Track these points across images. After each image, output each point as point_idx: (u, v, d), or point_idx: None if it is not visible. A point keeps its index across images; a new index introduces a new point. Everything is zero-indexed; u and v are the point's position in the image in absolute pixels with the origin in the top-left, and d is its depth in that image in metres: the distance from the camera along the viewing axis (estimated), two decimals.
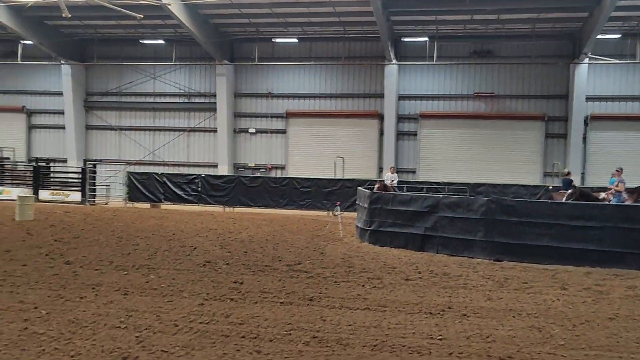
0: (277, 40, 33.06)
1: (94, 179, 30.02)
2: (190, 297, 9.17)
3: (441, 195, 16.70)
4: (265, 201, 27.87)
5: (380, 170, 31.44)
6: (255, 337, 7.17)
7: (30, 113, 37.18)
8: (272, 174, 33.39)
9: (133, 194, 28.87)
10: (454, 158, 31.42)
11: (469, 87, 31.43)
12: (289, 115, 33.60)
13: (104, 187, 31.46)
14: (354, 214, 19.92)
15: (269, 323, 7.83)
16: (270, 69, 33.73)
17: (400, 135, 32.03)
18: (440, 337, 7.42)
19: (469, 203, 14.65)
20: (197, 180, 28.35)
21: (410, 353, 6.78)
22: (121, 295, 9.17)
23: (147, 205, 28.48)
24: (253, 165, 34.19)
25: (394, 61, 30.65)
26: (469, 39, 31.20)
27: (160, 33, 33.66)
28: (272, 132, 34.10)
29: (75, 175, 30.53)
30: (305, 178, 28.41)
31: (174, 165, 35.09)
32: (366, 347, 6.91)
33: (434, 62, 30.10)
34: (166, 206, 28.32)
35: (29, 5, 27.43)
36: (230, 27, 32.22)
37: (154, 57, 35.08)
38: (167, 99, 35.56)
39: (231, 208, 28.13)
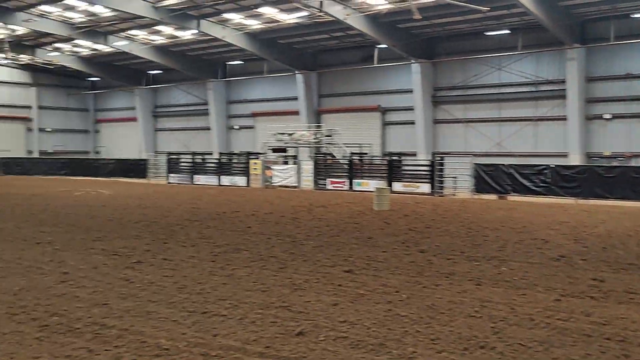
0: (637, 15, 29.82)
1: (442, 171, 31.11)
2: (545, 292, 8.89)
3: None
4: (624, 192, 25.36)
5: None
6: (622, 340, 6.62)
7: (384, 111, 40.36)
8: (632, 163, 30.33)
9: (480, 185, 29.10)
10: None
11: None
12: None
13: (452, 178, 32.37)
14: None
15: (637, 326, 7.17)
16: (628, 48, 30.63)
17: None
18: None
19: None
20: (546, 171, 27.26)
21: None
22: (474, 285, 9.35)
23: (493, 196, 28.44)
24: (609, 153, 31.54)
25: None
26: None
27: (505, 23, 33.28)
28: (632, 116, 30.96)
29: (425, 168, 32.09)
30: None
31: (520, 155, 34.39)
32: None
33: None
34: (513, 198, 27.89)
35: (383, 12, 29.78)
36: (581, 7, 30.18)
37: (499, 48, 34.85)
38: (513, 89, 35.03)
39: (584, 200, 26.36)
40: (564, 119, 32.67)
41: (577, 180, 26.47)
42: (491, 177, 28.66)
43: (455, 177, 32.33)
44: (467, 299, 8.46)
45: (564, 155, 32.55)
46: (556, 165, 27.78)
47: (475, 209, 22.35)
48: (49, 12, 35.82)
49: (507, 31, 33.92)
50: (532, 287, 9.20)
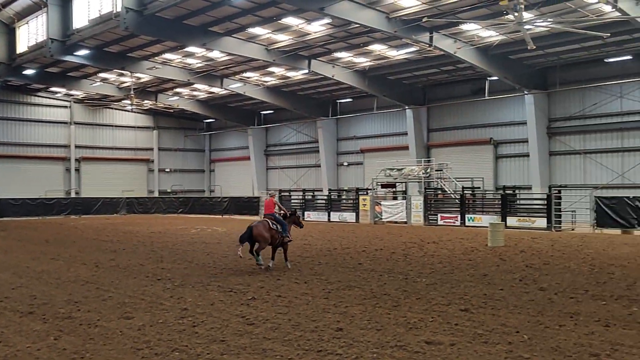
0: None
1: (559, 205, 29.74)
2: None
3: None
4: None
5: None
6: None
7: (497, 144, 39.32)
8: None
9: (601, 219, 27.54)
10: None
11: None
12: None
13: (570, 212, 30.86)
14: None
15: None
16: None
17: None
18: None
19: None
20: None
21: None
22: (602, 327, 8.77)
23: (617, 231, 26.81)
24: None
25: None
26: None
27: (627, 49, 31.63)
28: None
29: (541, 202, 30.84)
30: None
31: None
32: None
33: None
34: (639, 232, 26.16)
35: (495, 44, 29.26)
36: None
37: (620, 75, 33.11)
38: (637, 117, 33.10)
39: None
40: None
41: None
42: (614, 211, 27.07)
43: (573, 211, 30.82)
44: (595, 342, 7.95)
45: None
46: None
47: (597, 245, 21.13)
48: (171, 60, 38.11)
49: (629, 57, 32.22)
50: None
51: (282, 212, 16.52)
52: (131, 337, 8.47)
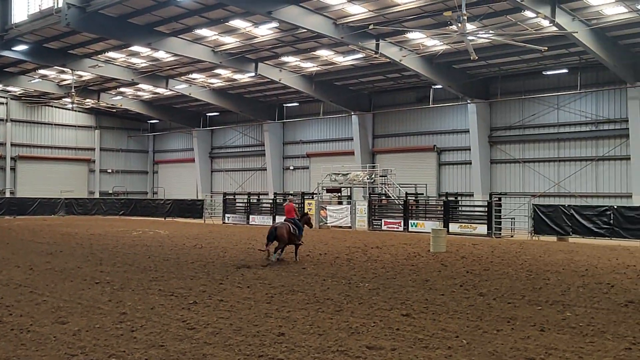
0: None
1: (499, 212, 30.48)
2: (614, 340, 8.48)
3: None
4: None
5: None
6: None
7: (440, 151, 40.06)
8: None
9: (538, 226, 28.36)
10: None
11: None
12: None
13: (509, 219, 31.69)
14: None
15: None
16: None
17: None
18: None
19: None
20: (608, 212, 26.41)
21: None
22: (538, 331, 9.01)
23: (553, 238, 27.67)
24: None
25: None
26: None
27: (564, 62, 32.80)
28: None
29: (482, 209, 31.53)
30: None
31: (580, 196, 33.45)
32: None
33: None
34: (574, 239, 27.06)
35: (439, 53, 29.83)
36: None
37: (557, 87, 34.33)
38: (572, 128, 34.36)
39: None
40: (627, 158, 31.70)
41: None
42: (550, 218, 27.92)
43: (513, 218, 31.65)
44: (531, 346, 8.16)
45: (628, 196, 31.48)
46: (619, 207, 26.88)
47: (534, 251, 21.75)
48: (114, 58, 37.27)
49: (566, 70, 33.40)
50: (599, 334, 8.81)
51: (299, 216, 19.10)
52: (65, 342, 8.21)
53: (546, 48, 23.59)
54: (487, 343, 8.30)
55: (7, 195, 49.42)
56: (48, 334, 8.62)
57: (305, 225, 18.98)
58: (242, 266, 16.43)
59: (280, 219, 38.50)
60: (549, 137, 35.27)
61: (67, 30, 31.02)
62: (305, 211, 23.18)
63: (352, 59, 34.58)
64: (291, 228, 17.54)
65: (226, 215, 41.97)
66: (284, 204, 22.22)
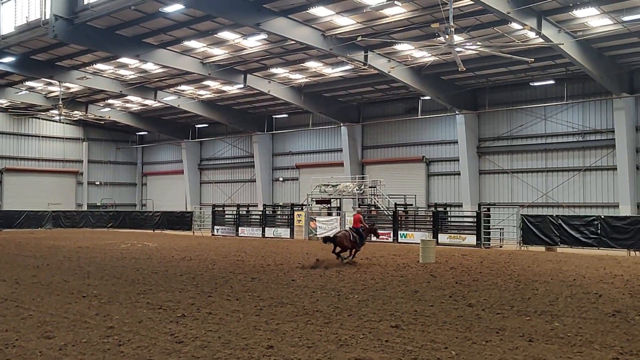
0: None
1: (488, 222, 30.59)
2: (602, 350, 8.50)
3: None
4: None
5: None
6: None
7: (429, 162, 40.19)
8: None
9: (527, 236, 28.47)
10: None
11: None
12: None
13: (498, 230, 31.78)
14: None
15: None
16: None
17: None
18: None
19: None
20: (596, 222, 26.56)
21: None
22: (526, 342, 9.01)
23: (541, 248, 27.77)
24: None
25: None
26: None
27: (550, 73, 33.09)
28: None
29: (471, 219, 31.61)
30: None
31: (568, 206, 33.65)
32: None
33: None
34: (562, 249, 27.17)
35: (427, 64, 30.00)
36: (629, 57, 29.82)
37: (544, 98, 34.65)
38: (559, 139, 34.63)
39: (638, 252, 25.47)
40: (613, 168, 31.95)
41: (630, 231, 25.65)
42: (539, 229, 28.03)
43: (502, 229, 31.73)
44: (519, 357, 8.16)
45: (615, 206, 31.70)
46: (606, 216, 27.05)
47: (523, 262, 21.81)
48: (102, 70, 37.19)
49: (552, 81, 33.70)
50: (587, 345, 8.83)
51: (365, 225, 21.49)
52: (51, 357, 8.12)
53: (533, 60, 23.82)
54: (476, 354, 8.29)
55: None
56: (34, 349, 8.52)
57: (352, 235, 20.47)
58: (231, 278, 16.35)
59: (270, 230, 38.84)
60: (536, 147, 35.50)
61: (54, 42, 30.98)
62: (374, 222, 28.11)
63: (341, 71, 34.71)
64: (351, 236, 20.18)
65: (215, 227, 41.78)
66: (353, 214, 25.15)
